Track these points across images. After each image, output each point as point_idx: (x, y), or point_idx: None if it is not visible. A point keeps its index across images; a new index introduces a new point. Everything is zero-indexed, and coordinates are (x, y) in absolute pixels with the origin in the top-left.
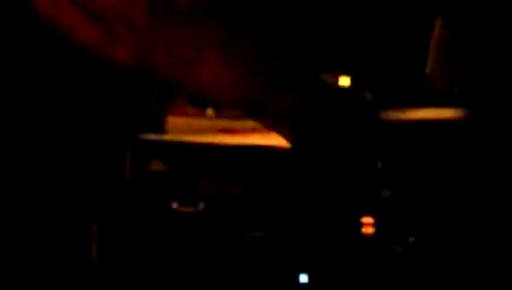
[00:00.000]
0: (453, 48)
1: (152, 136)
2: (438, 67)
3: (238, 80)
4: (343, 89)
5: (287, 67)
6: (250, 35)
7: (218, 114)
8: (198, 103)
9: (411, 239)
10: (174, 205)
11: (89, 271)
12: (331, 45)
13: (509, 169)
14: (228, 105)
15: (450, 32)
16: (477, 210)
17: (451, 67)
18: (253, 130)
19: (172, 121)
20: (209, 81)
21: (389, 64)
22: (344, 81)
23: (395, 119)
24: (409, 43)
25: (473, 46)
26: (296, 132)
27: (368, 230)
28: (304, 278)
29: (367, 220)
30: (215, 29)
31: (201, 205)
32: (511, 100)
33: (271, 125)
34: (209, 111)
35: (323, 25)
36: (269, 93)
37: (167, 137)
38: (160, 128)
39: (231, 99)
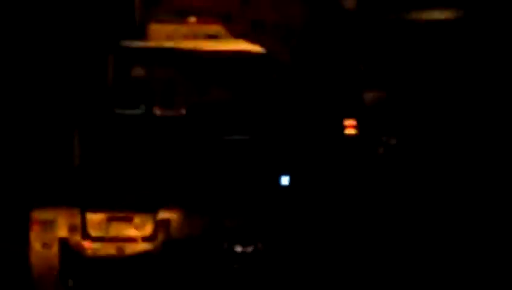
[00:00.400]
0: None
1: (134, 43)
2: None
3: None
4: None
5: None
6: None
7: (200, 21)
8: (179, 10)
9: (393, 141)
10: (156, 110)
11: (71, 175)
12: None
13: (501, 73)
14: (206, 13)
15: None
16: (464, 112)
17: None
18: (236, 36)
19: (155, 27)
20: None
21: None
22: None
23: (379, 22)
24: None
25: None
26: (274, 39)
27: (351, 132)
28: (285, 180)
29: (350, 122)
30: None
31: (183, 110)
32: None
33: (246, 33)
34: (191, 18)
35: None
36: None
37: (149, 43)
38: (143, 35)
39: (209, 8)
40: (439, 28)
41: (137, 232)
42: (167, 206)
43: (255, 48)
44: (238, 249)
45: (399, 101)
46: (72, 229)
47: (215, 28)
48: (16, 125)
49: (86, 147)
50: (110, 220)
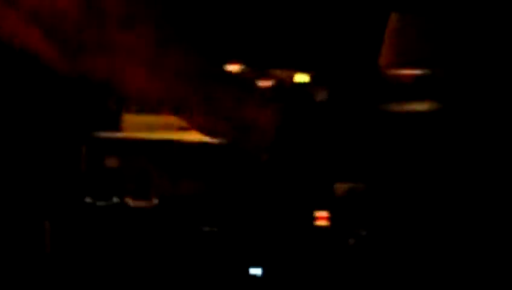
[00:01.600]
0: (408, 39)
1: (107, 133)
2: (391, 57)
3: (165, 81)
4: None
5: (215, 68)
6: (181, 39)
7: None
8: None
9: (363, 232)
10: (128, 200)
11: (42, 265)
12: (288, 41)
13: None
14: (157, 106)
15: (405, 25)
16: (425, 204)
17: (405, 57)
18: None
19: (128, 118)
20: (137, 84)
21: (343, 59)
22: (301, 78)
23: (349, 114)
24: (359, 38)
25: (427, 37)
26: (230, 129)
27: (322, 223)
28: (256, 271)
29: (321, 213)
30: (146, 34)
31: (155, 200)
32: (470, 93)
33: (198, 124)
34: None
35: (277, 22)
36: (198, 94)
37: (122, 134)
38: (116, 126)
39: (159, 100)
40: (415, 120)
41: None
42: None
43: (220, 139)
44: None
45: (371, 193)
46: None
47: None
48: None
49: (57, 237)
50: None
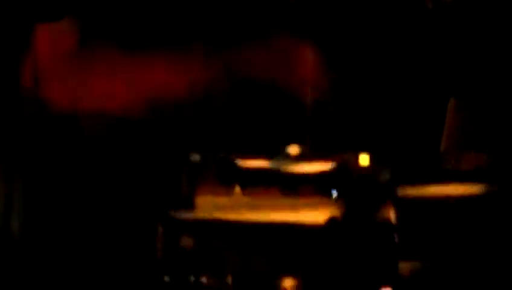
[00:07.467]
0: (466, 129)
1: (182, 214)
2: (451, 146)
3: None
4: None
5: None
6: None
7: (245, 192)
8: (226, 181)
9: None
10: (203, 279)
11: None
12: (353, 125)
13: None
14: None
15: (463, 114)
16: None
17: (463, 146)
18: (280, 207)
19: (201, 199)
20: None
21: (406, 143)
22: (364, 160)
23: (412, 195)
24: (423, 124)
25: (485, 127)
26: None
27: None
28: None
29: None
30: None
31: (229, 280)
32: None
33: None
34: (237, 189)
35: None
36: None
37: (196, 214)
38: (190, 206)
39: None
40: (473, 204)
41: None
42: None
43: (301, 219)
44: None
45: (435, 273)
46: None
47: (260, 199)
48: None
49: None
50: None
